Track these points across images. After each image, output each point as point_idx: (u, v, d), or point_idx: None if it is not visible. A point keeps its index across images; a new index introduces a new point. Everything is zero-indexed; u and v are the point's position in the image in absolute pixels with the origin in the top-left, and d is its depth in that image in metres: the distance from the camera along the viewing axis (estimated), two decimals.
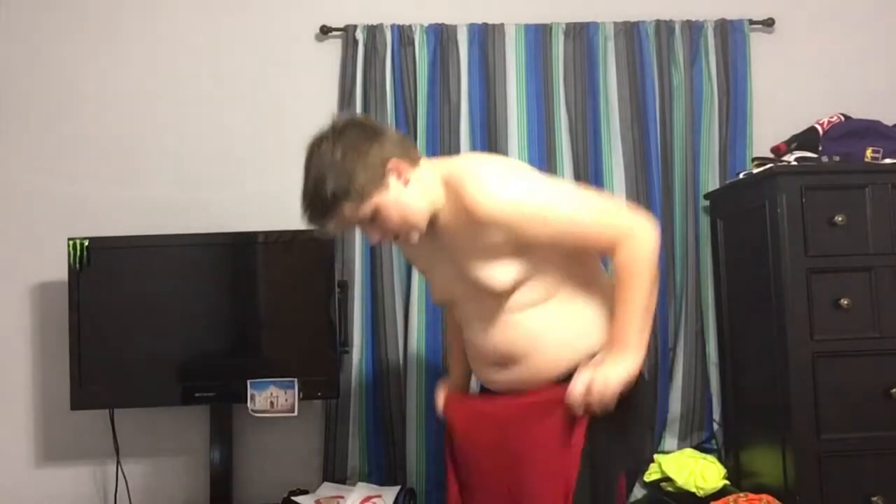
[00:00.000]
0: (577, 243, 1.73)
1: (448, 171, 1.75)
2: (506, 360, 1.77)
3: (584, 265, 1.79)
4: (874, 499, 2.25)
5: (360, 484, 2.60)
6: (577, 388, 1.66)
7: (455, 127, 2.73)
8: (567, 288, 1.75)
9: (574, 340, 1.74)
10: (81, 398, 2.52)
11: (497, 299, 1.74)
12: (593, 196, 1.79)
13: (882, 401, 2.29)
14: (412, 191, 1.71)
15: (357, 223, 1.74)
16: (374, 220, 1.71)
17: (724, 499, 2.39)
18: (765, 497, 2.32)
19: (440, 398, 2.01)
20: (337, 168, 1.65)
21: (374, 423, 2.70)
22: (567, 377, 1.70)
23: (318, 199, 1.67)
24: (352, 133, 1.69)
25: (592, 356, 1.72)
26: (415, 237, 1.75)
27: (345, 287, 2.67)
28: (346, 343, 2.66)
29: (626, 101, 2.78)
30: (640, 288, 1.69)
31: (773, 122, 2.78)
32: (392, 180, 1.69)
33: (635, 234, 1.69)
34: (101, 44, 2.82)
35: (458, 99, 2.74)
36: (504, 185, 1.67)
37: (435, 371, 2.65)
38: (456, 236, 1.73)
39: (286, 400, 2.50)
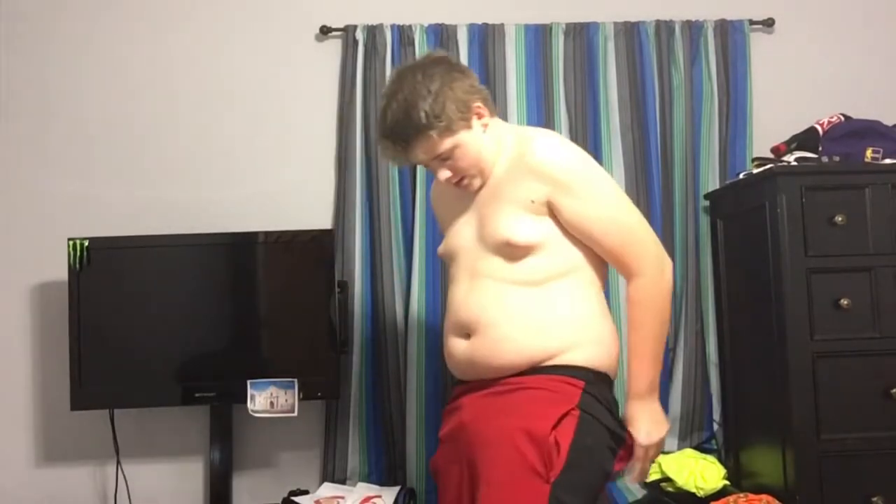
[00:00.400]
0: (608, 240, 1.72)
1: (522, 130, 1.82)
2: (471, 326, 1.74)
3: (591, 270, 1.77)
4: (874, 499, 2.25)
5: (360, 484, 2.60)
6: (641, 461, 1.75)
7: None
8: (564, 282, 1.73)
9: (544, 333, 1.70)
10: (81, 398, 2.52)
11: (497, 262, 1.73)
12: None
13: (882, 401, 2.28)
14: (488, 137, 1.76)
15: (432, 158, 1.74)
16: (449, 157, 1.73)
17: (724, 499, 2.39)
18: (765, 497, 2.32)
19: None
20: (431, 96, 1.67)
21: (374, 423, 2.70)
22: (525, 370, 1.69)
23: (406, 124, 1.68)
24: (444, 68, 1.73)
25: (553, 357, 1.69)
26: (476, 184, 1.78)
27: (345, 287, 2.67)
28: (346, 343, 2.66)
29: (626, 101, 2.78)
30: (664, 323, 1.76)
31: (773, 122, 2.78)
32: (475, 121, 1.74)
33: (664, 268, 1.74)
34: (101, 44, 2.82)
35: None
36: (571, 150, 1.75)
37: (435, 371, 2.65)
38: (500, 185, 1.75)
39: (286, 400, 2.50)
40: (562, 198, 1.70)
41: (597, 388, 1.71)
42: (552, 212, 1.72)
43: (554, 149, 1.73)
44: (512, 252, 1.72)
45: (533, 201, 1.70)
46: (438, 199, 2.02)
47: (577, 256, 1.75)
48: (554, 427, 1.62)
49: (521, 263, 1.72)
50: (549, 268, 1.72)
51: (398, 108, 1.70)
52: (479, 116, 1.75)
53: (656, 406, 1.78)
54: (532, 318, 1.71)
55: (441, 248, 1.93)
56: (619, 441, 1.74)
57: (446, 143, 1.71)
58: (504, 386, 1.71)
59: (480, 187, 1.80)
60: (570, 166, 1.71)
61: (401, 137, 1.71)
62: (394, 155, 1.76)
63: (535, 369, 1.69)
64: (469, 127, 1.73)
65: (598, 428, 1.68)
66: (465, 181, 1.78)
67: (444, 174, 1.76)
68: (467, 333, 1.76)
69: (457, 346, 1.79)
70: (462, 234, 1.82)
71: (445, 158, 1.74)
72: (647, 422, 1.75)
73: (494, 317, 1.72)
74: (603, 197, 1.73)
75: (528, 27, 2.81)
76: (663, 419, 1.80)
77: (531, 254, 1.72)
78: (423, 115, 1.67)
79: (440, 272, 2.69)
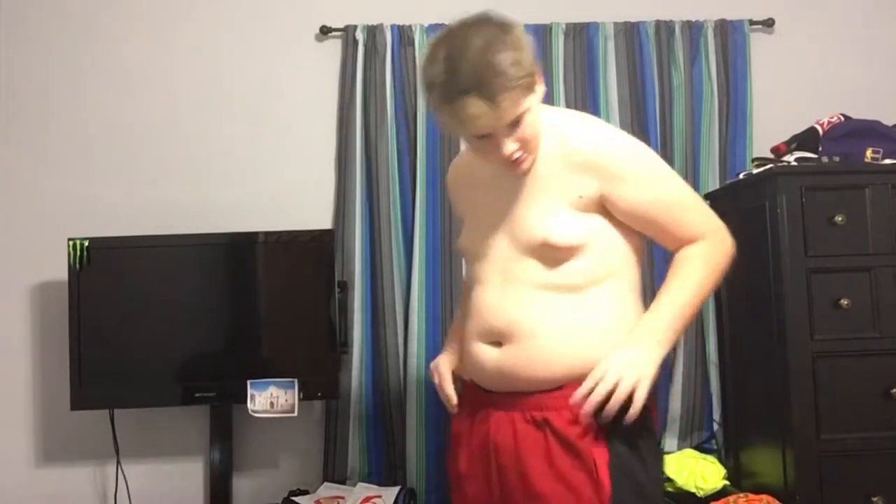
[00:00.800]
0: (670, 218, 1.60)
1: (553, 114, 1.64)
2: (504, 334, 1.61)
3: (633, 273, 1.66)
4: (874, 499, 2.25)
5: (360, 484, 2.60)
6: (591, 384, 1.50)
7: None
8: (605, 287, 1.60)
9: (583, 346, 1.58)
10: (81, 398, 2.52)
11: (533, 264, 1.59)
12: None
13: (882, 401, 2.28)
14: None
15: (508, 122, 1.49)
16: (517, 124, 1.50)
17: (724, 499, 2.39)
18: (765, 497, 2.32)
19: (439, 375, 1.80)
20: (517, 48, 1.45)
21: (374, 423, 2.70)
22: (557, 385, 1.58)
23: (489, 73, 1.42)
24: (512, 23, 1.50)
25: (587, 370, 1.55)
26: (527, 165, 1.58)
27: (345, 287, 2.67)
28: (346, 343, 2.66)
29: (626, 101, 2.78)
30: (702, 284, 1.60)
31: (773, 122, 2.78)
32: (539, 87, 1.54)
33: (725, 235, 1.65)
34: (101, 44, 2.82)
35: None
36: (617, 134, 1.65)
37: None
38: (536, 177, 1.59)
39: (286, 400, 2.50)
40: (617, 189, 1.56)
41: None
42: (603, 206, 1.58)
43: (599, 136, 1.60)
44: (551, 254, 1.57)
45: (581, 196, 1.56)
46: (457, 183, 1.84)
47: (620, 258, 1.62)
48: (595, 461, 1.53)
49: (560, 268, 1.58)
50: (590, 271, 1.59)
51: (476, 60, 1.43)
52: (540, 82, 1.54)
53: (648, 356, 1.54)
54: (571, 329, 1.58)
55: (462, 243, 1.77)
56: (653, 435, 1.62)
57: (525, 103, 1.49)
58: (537, 411, 1.59)
59: (509, 177, 1.62)
60: (620, 154, 1.58)
61: (488, 91, 1.43)
62: (480, 114, 1.45)
63: (570, 383, 1.57)
64: (535, 91, 1.52)
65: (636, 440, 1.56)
66: (522, 157, 1.56)
67: (510, 146, 1.52)
68: (498, 341, 1.63)
69: (485, 354, 1.65)
70: (490, 231, 1.66)
71: (514, 125, 1.50)
72: (622, 356, 1.53)
73: (531, 327, 1.58)
74: (659, 177, 1.62)
75: (528, 27, 2.79)
76: (646, 367, 1.52)
77: (573, 256, 1.58)
78: (507, 65, 1.43)
79: (440, 272, 2.69)
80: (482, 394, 1.69)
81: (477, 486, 1.67)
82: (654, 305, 1.60)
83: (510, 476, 1.60)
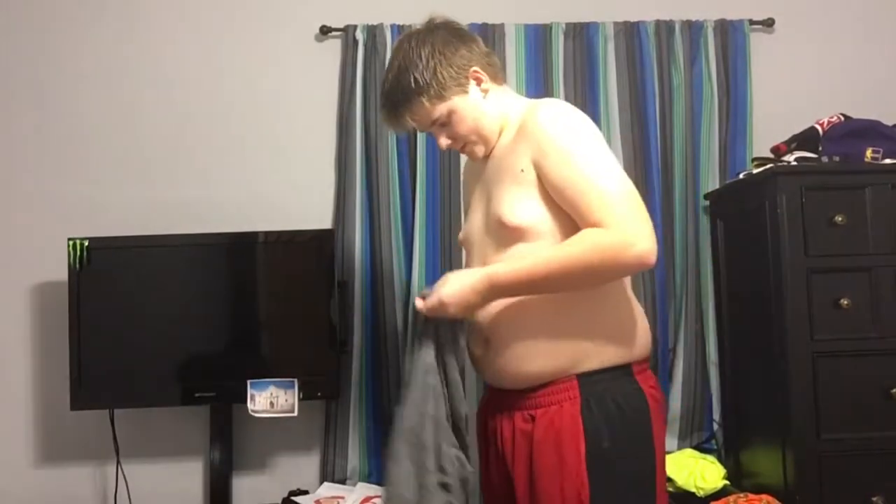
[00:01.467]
0: (577, 201, 1.54)
1: (535, 101, 1.73)
2: (488, 330, 1.66)
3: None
4: (874, 499, 2.25)
5: (360, 484, 2.60)
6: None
7: None
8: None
9: (561, 340, 1.60)
10: (81, 398, 2.52)
11: (500, 250, 1.63)
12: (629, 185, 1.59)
13: (882, 401, 2.28)
14: (489, 103, 1.72)
15: (430, 123, 1.72)
16: (447, 123, 1.71)
17: (724, 499, 2.39)
18: (765, 497, 2.32)
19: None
20: (422, 63, 1.67)
21: (374, 423, 2.70)
22: (544, 382, 1.60)
23: (398, 90, 1.69)
24: (442, 33, 1.72)
25: (576, 366, 1.59)
26: (479, 151, 1.74)
27: (345, 287, 2.67)
28: (346, 343, 2.66)
29: (626, 101, 2.78)
30: (570, 262, 1.52)
31: (773, 122, 2.77)
32: (472, 86, 1.71)
33: (633, 240, 1.50)
34: (101, 44, 2.82)
35: None
36: (567, 115, 1.63)
37: None
38: (503, 158, 1.68)
39: (286, 400, 2.50)
40: (543, 161, 1.57)
41: (608, 383, 1.60)
42: (540, 171, 1.59)
43: (551, 112, 1.62)
44: (509, 236, 1.61)
45: (522, 170, 1.60)
46: (466, 177, 1.96)
47: None
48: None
49: (529, 248, 1.59)
50: None
51: (393, 77, 1.71)
52: (478, 81, 1.71)
53: (472, 291, 1.58)
54: (550, 324, 1.60)
55: (460, 235, 1.86)
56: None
57: (440, 109, 1.69)
58: (529, 410, 1.62)
59: (487, 160, 1.74)
60: (554, 130, 1.58)
61: (394, 104, 1.71)
62: (389, 121, 1.76)
63: (560, 380, 1.60)
64: (465, 92, 1.70)
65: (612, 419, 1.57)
66: (468, 148, 1.74)
67: (444, 141, 1.74)
68: (486, 338, 1.68)
69: (476, 352, 1.72)
70: (473, 220, 1.75)
71: (444, 124, 1.72)
72: (457, 283, 1.59)
73: (510, 324, 1.62)
74: (583, 159, 1.56)
75: (528, 27, 2.81)
76: (467, 297, 1.58)
77: (528, 239, 1.59)
78: (412, 81, 1.67)
79: (440, 272, 2.68)
80: (495, 393, 1.74)
81: (498, 483, 1.72)
82: (517, 261, 1.58)
83: (516, 475, 1.64)
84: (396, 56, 1.72)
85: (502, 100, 1.75)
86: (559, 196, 1.58)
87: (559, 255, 1.54)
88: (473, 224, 1.76)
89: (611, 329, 1.64)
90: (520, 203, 1.61)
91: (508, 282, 1.57)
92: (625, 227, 1.51)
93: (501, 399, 1.70)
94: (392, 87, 1.71)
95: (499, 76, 1.78)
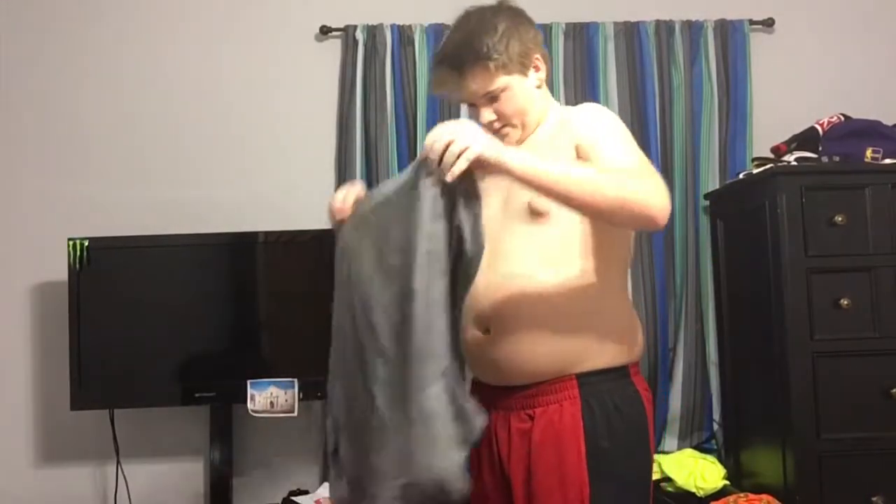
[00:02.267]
0: (615, 163, 1.57)
1: (572, 108, 1.77)
2: (489, 320, 1.62)
3: (617, 258, 1.67)
4: (874, 499, 2.25)
5: None
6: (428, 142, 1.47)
7: None
8: (584, 272, 1.61)
9: (564, 335, 1.59)
10: (81, 398, 2.52)
11: (521, 236, 1.62)
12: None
13: (882, 401, 2.28)
14: (539, 94, 1.73)
15: (483, 93, 1.67)
16: (497, 98, 1.67)
17: (724, 499, 2.39)
18: (765, 497, 2.32)
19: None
20: (497, 32, 1.64)
21: None
22: (545, 379, 1.59)
23: (468, 50, 1.64)
24: (514, 13, 1.71)
25: (579, 363, 1.58)
26: (514, 137, 1.71)
27: None
28: None
29: (626, 101, 2.78)
30: (609, 183, 1.49)
31: (773, 122, 2.77)
32: (532, 72, 1.70)
33: (665, 197, 1.52)
34: (101, 44, 2.82)
35: None
36: (605, 112, 1.70)
37: None
38: (538, 149, 1.66)
39: (286, 400, 2.50)
40: (589, 136, 1.62)
41: (608, 384, 1.60)
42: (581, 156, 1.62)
43: (598, 107, 1.72)
44: (530, 220, 1.61)
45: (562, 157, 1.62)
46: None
47: (599, 233, 1.61)
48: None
49: (546, 237, 1.60)
50: (575, 241, 1.61)
51: (461, 37, 1.67)
52: (537, 69, 1.71)
53: (489, 142, 1.47)
54: (554, 317, 1.59)
55: None
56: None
57: (499, 81, 1.65)
58: (528, 409, 1.61)
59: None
60: (604, 117, 1.67)
61: (458, 63, 1.65)
62: (446, 82, 1.69)
63: (557, 379, 1.59)
64: (524, 75, 1.69)
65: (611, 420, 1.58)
66: (505, 129, 1.70)
67: (488, 116, 1.69)
68: (487, 327, 1.63)
69: (476, 342, 1.64)
70: (489, 206, 1.65)
71: (493, 99, 1.68)
72: (464, 125, 1.51)
73: (513, 314, 1.60)
74: (627, 141, 1.65)
75: None
76: (481, 141, 1.46)
77: (551, 225, 1.60)
78: (485, 45, 1.63)
79: None
80: (487, 391, 1.68)
81: (491, 487, 1.69)
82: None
83: (513, 475, 1.62)
84: (467, 21, 1.70)
85: (547, 98, 1.77)
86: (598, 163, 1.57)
87: (594, 170, 1.53)
88: (486, 209, 1.67)
89: (611, 329, 1.64)
90: None
91: (528, 158, 1.49)
92: (660, 183, 1.55)
93: (494, 398, 1.66)
94: (459, 47, 1.66)
95: (548, 77, 1.78)
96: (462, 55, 1.65)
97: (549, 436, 1.58)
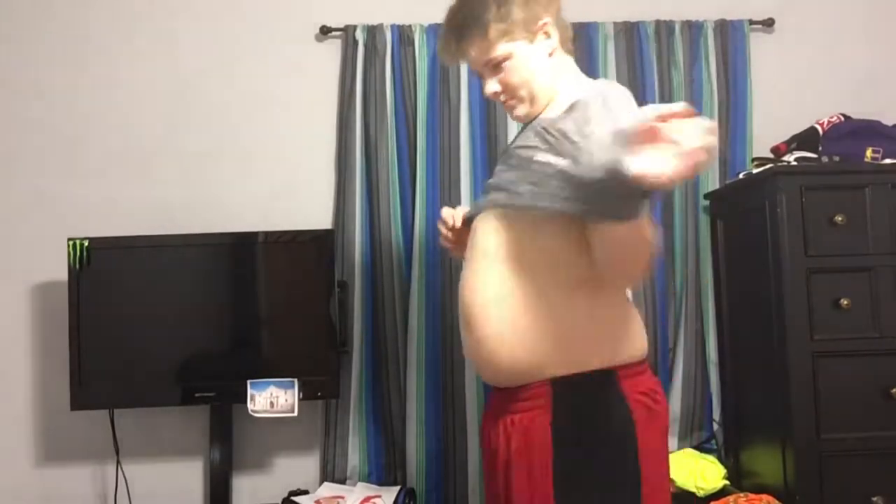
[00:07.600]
0: None
1: (593, 82, 1.63)
2: (465, 319, 1.57)
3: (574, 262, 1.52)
4: (874, 499, 2.25)
5: (360, 484, 2.60)
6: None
7: (455, 127, 2.73)
8: (551, 276, 1.51)
9: (535, 339, 1.49)
10: (81, 398, 2.52)
11: (495, 229, 1.55)
12: None
13: (882, 401, 2.29)
14: (550, 64, 1.62)
15: (485, 62, 1.61)
16: (500, 67, 1.60)
17: (724, 499, 2.39)
18: (765, 497, 2.33)
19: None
20: (508, 1, 1.57)
21: (374, 423, 2.70)
22: (524, 382, 1.50)
23: (468, 16, 1.58)
24: None
25: (548, 365, 1.48)
26: (521, 111, 1.63)
27: (345, 287, 2.67)
28: (345, 343, 2.67)
29: None
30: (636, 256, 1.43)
31: (773, 122, 2.78)
32: (540, 39, 1.61)
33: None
34: (101, 43, 2.82)
35: (458, 99, 2.74)
36: (613, 88, 1.56)
37: (434, 372, 2.65)
38: (527, 131, 1.59)
39: (286, 400, 2.50)
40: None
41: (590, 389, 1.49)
42: None
43: (613, 83, 1.59)
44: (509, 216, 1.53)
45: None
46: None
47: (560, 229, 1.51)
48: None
49: (523, 234, 1.52)
50: (556, 239, 1.50)
51: (464, 2, 1.61)
52: (547, 35, 1.61)
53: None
54: (524, 314, 1.49)
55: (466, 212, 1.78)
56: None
57: (501, 48, 1.58)
58: (512, 414, 1.54)
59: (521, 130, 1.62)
60: (616, 89, 1.55)
61: (458, 30, 1.60)
62: (447, 49, 1.64)
63: (532, 383, 1.50)
64: (530, 41, 1.59)
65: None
66: (512, 102, 1.63)
67: (491, 87, 1.62)
68: (467, 321, 1.58)
69: (463, 340, 1.61)
70: (483, 195, 1.62)
71: (497, 69, 1.60)
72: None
73: (483, 307, 1.52)
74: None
75: None
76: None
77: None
78: (484, 10, 1.56)
79: (440, 272, 2.69)
80: (490, 392, 1.66)
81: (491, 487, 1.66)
82: None
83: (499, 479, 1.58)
84: None
85: (563, 67, 1.66)
86: None
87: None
88: (476, 203, 1.68)
89: (594, 329, 1.51)
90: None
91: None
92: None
93: (491, 400, 1.64)
94: (461, 12, 1.61)
95: (569, 45, 1.68)
96: (462, 21, 1.60)
97: (522, 447, 1.51)
